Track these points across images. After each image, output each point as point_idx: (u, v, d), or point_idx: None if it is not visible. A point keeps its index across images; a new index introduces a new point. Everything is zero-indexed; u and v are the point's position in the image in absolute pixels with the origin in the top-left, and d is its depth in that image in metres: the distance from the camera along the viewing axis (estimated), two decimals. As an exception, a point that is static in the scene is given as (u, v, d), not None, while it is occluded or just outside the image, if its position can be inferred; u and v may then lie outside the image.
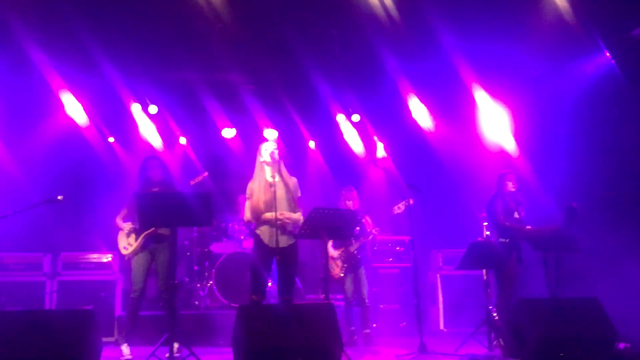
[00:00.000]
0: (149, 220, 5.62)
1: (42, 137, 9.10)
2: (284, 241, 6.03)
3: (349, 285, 7.49)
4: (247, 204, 6.22)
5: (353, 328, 7.40)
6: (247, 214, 6.21)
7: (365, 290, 7.46)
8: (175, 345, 6.10)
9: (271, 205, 5.97)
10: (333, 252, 7.54)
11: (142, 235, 6.51)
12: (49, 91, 8.74)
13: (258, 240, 6.11)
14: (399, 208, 7.39)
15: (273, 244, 5.94)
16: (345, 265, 7.49)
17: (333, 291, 8.93)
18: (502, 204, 6.95)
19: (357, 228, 7.31)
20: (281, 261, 6.04)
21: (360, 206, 7.68)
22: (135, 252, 6.53)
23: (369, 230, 7.56)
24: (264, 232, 6.07)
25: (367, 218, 7.68)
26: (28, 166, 8.95)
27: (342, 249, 7.52)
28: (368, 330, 7.38)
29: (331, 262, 7.48)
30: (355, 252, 7.50)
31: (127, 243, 6.59)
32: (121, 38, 7.82)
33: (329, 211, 5.80)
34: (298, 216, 6.12)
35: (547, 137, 8.27)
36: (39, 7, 7.30)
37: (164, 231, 6.46)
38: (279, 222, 5.95)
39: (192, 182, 7.75)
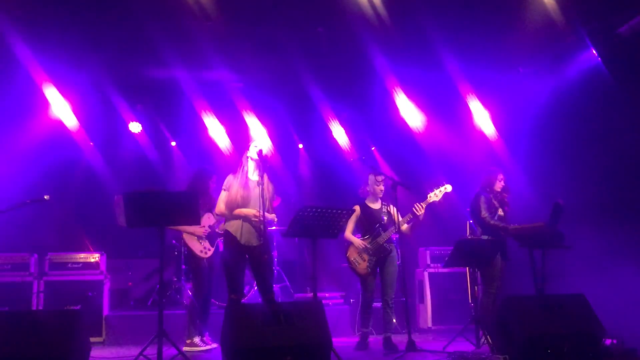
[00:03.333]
0: (137, 219, 5.59)
1: (28, 137, 9.05)
2: (254, 240, 6.03)
3: (372, 282, 6.80)
4: (223, 195, 6.18)
5: (368, 330, 6.88)
6: (221, 206, 6.17)
7: (391, 291, 6.78)
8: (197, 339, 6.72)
9: (248, 201, 6.02)
10: (359, 241, 6.83)
11: (217, 241, 7.00)
12: (36, 90, 8.68)
13: (228, 235, 6.10)
14: (436, 195, 6.67)
15: (243, 241, 5.98)
16: (372, 258, 6.78)
17: (334, 289, 8.97)
18: (486, 201, 6.97)
19: (385, 218, 6.89)
20: (253, 261, 6.07)
21: (385, 195, 7.04)
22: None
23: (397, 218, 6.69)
24: (234, 227, 6.06)
25: (392, 207, 6.90)
26: (14, 166, 8.89)
27: (369, 240, 6.81)
28: (389, 334, 6.73)
29: (356, 254, 6.82)
30: (385, 244, 6.81)
31: (204, 247, 6.93)
32: (109, 36, 7.78)
33: (318, 209, 5.77)
34: (272, 217, 6.22)
35: (534, 135, 8.31)
36: (25, 5, 7.25)
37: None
38: (254, 219, 5.95)
39: None
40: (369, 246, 6.81)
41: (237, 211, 6.03)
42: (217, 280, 8.05)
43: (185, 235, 6.94)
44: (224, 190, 6.20)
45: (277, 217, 6.37)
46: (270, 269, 6.30)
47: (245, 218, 6.00)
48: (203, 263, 6.93)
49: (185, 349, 6.40)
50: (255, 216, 5.95)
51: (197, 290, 6.96)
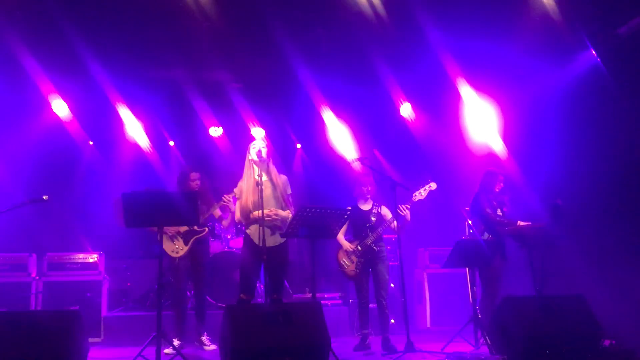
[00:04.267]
0: (136, 219, 5.59)
1: (27, 137, 9.04)
2: (273, 240, 6.05)
3: (365, 283, 6.87)
4: (237, 204, 6.27)
5: (367, 331, 6.91)
6: (237, 214, 6.27)
7: (383, 291, 6.77)
8: (176, 342, 6.55)
9: (259, 204, 5.98)
10: (347, 245, 6.93)
11: (193, 239, 6.85)
12: (35, 90, 8.68)
13: (247, 239, 6.16)
14: (420, 194, 6.73)
15: (262, 244, 5.95)
16: (361, 260, 6.83)
17: (333, 290, 8.96)
18: (486, 201, 6.97)
19: (373, 219, 6.93)
20: (270, 261, 6.03)
21: (376, 194, 7.13)
22: (183, 255, 6.87)
23: (388, 218, 6.89)
24: (253, 231, 6.10)
25: (384, 208, 7.04)
26: (13, 166, 8.89)
27: (358, 241, 6.88)
28: (387, 334, 6.66)
29: (345, 257, 6.92)
30: (373, 245, 6.85)
31: (176, 247, 6.88)
32: (108, 37, 7.79)
33: (317, 210, 5.77)
34: (287, 214, 6.15)
35: (533, 135, 8.30)
36: (25, 6, 7.25)
37: (204, 233, 6.91)
38: (267, 219, 5.94)
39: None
40: (357, 248, 6.87)
41: (252, 215, 6.08)
42: (215, 280, 8.07)
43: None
44: (237, 198, 6.27)
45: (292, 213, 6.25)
46: (284, 270, 6.30)
47: (259, 221, 5.99)
48: (175, 263, 6.89)
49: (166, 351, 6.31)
50: (267, 216, 5.96)
51: (174, 290, 7.00)
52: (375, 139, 10.33)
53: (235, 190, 6.34)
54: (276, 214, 6.07)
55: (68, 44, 7.67)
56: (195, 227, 6.89)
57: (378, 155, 10.37)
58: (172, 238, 6.88)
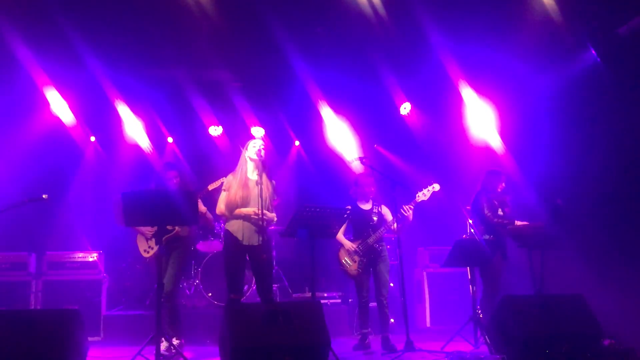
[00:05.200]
0: (135, 219, 5.59)
1: (26, 135, 9.03)
2: (255, 239, 5.97)
3: (366, 282, 6.86)
4: (223, 196, 6.14)
5: (367, 330, 6.90)
6: (221, 206, 6.12)
7: (384, 290, 6.81)
8: (175, 342, 6.29)
9: (248, 201, 5.97)
10: (349, 244, 6.90)
11: (164, 238, 6.56)
12: (34, 88, 8.68)
13: (229, 236, 6.04)
14: (424, 195, 6.75)
15: (245, 241, 5.93)
16: (363, 259, 6.84)
17: (333, 289, 8.95)
18: (487, 201, 6.97)
19: (375, 218, 6.93)
20: (253, 261, 6.02)
21: (377, 194, 7.15)
22: (156, 255, 6.62)
23: (388, 218, 6.95)
24: (235, 227, 6.00)
25: (384, 207, 7.07)
26: (12, 165, 8.88)
27: (360, 241, 6.87)
28: (387, 334, 6.67)
29: (347, 256, 6.91)
30: (375, 244, 6.88)
31: (148, 246, 6.85)
32: (108, 35, 7.79)
33: (317, 209, 5.76)
34: (272, 216, 6.10)
35: (533, 135, 8.31)
36: (24, 3, 7.24)
37: (183, 232, 6.60)
38: (254, 217, 5.88)
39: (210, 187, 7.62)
40: (359, 248, 6.86)
41: (237, 211, 5.99)
42: (216, 279, 8.06)
43: (138, 236, 6.96)
44: (224, 190, 6.16)
45: (276, 216, 6.28)
46: (269, 268, 6.26)
47: (246, 217, 5.96)
48: (147, 262, 6.93)
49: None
50: (255, 214, 5.89)
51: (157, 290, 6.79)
52: (375, 138, 10.32)
53: (223, 182, 6.24)
54: (263, 214, 5.91)
55: (67, 42, 7.68)
56: (168, 227, 6.63)
57: (380, 150, 10.34)
58: (147, 238, 6.87)
